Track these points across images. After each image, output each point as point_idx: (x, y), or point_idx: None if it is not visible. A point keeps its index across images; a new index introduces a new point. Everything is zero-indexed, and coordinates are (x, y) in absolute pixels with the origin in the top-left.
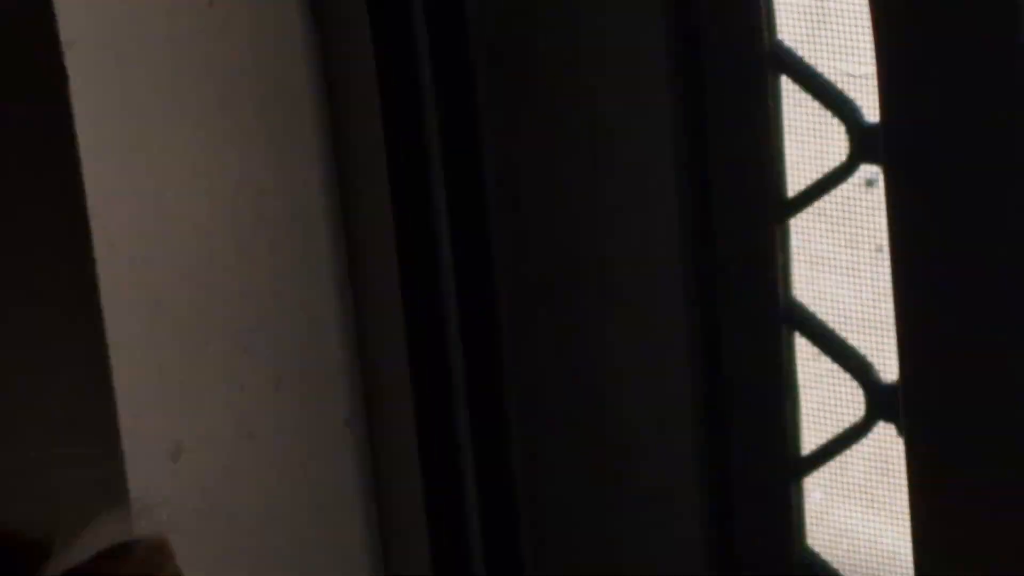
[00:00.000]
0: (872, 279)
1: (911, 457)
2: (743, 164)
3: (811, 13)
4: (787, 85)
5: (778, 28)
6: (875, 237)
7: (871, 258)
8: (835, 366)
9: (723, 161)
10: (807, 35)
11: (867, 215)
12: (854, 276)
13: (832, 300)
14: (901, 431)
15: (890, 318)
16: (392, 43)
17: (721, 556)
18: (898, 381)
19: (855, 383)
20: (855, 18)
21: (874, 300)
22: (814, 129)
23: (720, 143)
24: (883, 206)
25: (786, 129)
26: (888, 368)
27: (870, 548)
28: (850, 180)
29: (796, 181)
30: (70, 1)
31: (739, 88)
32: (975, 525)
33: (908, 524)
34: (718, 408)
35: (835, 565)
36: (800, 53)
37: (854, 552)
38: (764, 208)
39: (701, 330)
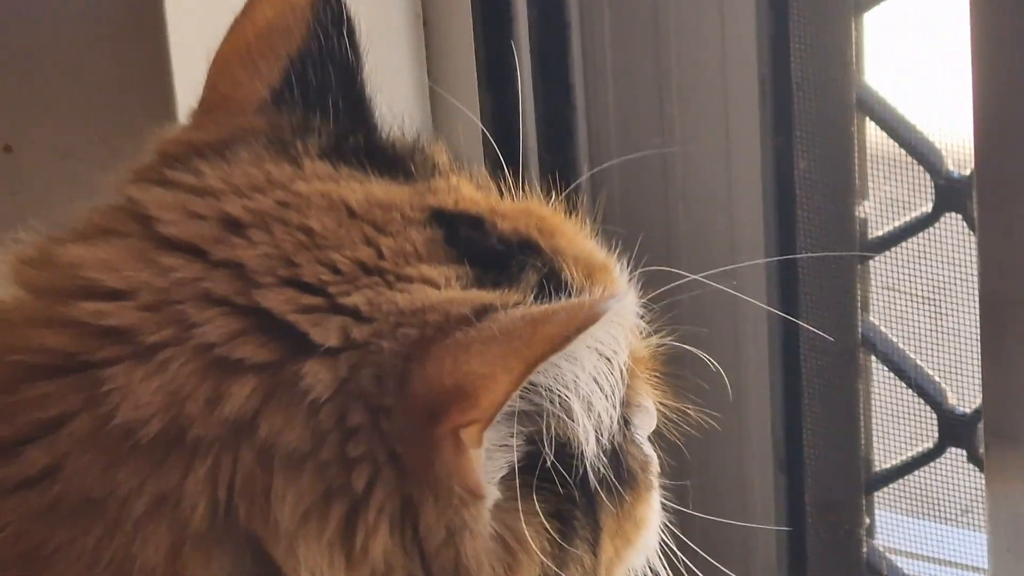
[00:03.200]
0: (951, 311)
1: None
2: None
3: None
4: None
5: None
6: (955, 274)
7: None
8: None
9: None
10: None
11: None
12: (932, 306)
13: (909, 328)
14: (971, 457)
15: (962, 349)
16: None
17: (794, 562)
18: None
19: (929, 409)
20: None
21: (952, 330)
22: (899, 177)
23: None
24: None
25: (870, 174)
26: (960, 398)
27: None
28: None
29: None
30: None
31: (826, 131)
32: None
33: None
34: (796, 424)
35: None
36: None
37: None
38: (848, 249)
39: (783, 349)
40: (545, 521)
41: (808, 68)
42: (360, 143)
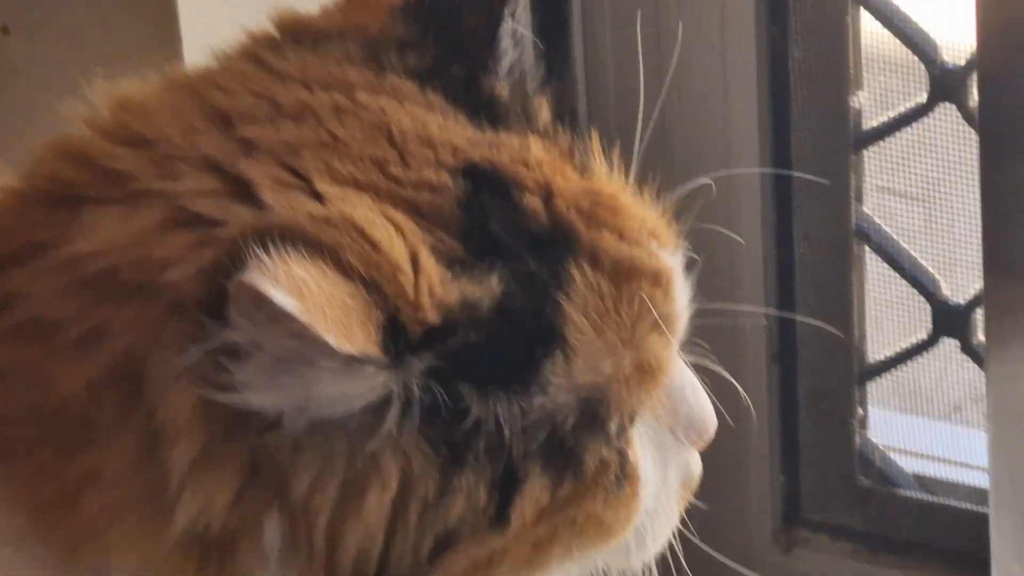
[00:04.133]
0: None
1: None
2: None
3: None
4: (869, 22)
5: None
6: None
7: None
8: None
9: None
10: None
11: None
12: (926, 197)
13: (903, 220)
14: (965, 348)
15: (956, 240)
16: None
17: (787, 452)
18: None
19: (923, 299)
20: None
21: (946, 221)
22: (894, 67)
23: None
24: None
25: (864, 67)
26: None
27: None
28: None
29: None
30: None
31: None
32: None
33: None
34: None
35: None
36: None
37: (911, 452)
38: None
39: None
40: (424, 445)
41: None
42: (462, 76)
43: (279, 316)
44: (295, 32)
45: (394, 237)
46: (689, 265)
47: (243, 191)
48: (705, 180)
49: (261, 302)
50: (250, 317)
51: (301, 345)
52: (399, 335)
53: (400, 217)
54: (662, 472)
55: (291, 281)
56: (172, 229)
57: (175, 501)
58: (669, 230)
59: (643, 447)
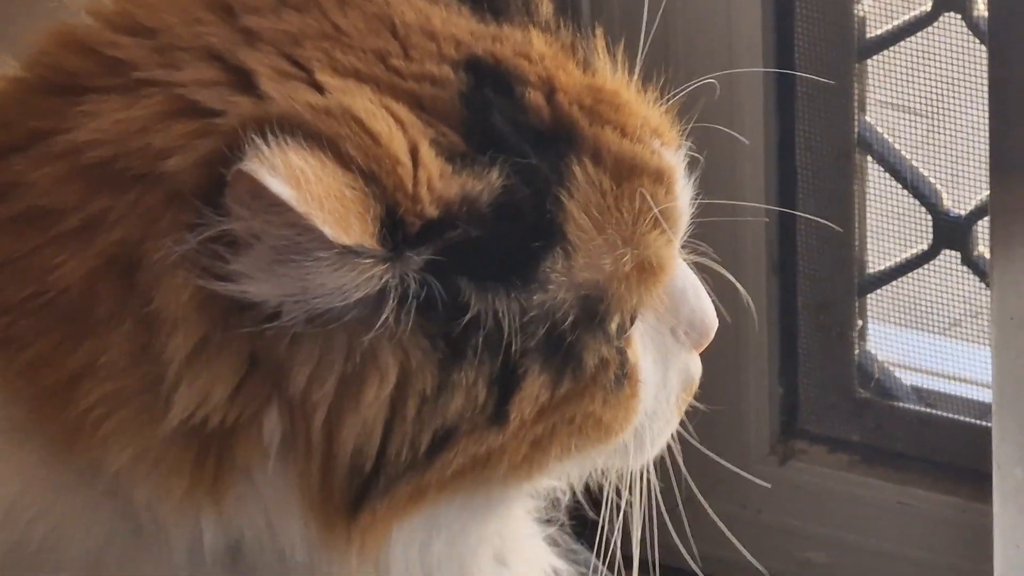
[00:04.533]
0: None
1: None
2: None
3: None
4: None
5: None
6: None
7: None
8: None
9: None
10: None
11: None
12: (928, 109)
13: (905, 132)
14: (966, 260)
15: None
16: None
17: (785, 363)
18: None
19: (924, 211)
20: None
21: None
22: None
23: None
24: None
25: None
26: (955, 200)
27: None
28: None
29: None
30: None
31: None
32: None
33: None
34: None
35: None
36: None
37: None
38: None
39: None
40: (423, 340)
41: None
42: None
43: (276, 205)
44: None
45: (394, 129)
46: (691, 165)
47: (243, 81)
48: (709, 79)
49: (258, 190)
50: (247, 206)
51: (297, 235)
52: (397, 228)
53: (401, 109)
54: (662, 373)
55: (289, 170)
56: (172, 118)
57: (171, 393)
58: (672, 128)
59: (643, 348)
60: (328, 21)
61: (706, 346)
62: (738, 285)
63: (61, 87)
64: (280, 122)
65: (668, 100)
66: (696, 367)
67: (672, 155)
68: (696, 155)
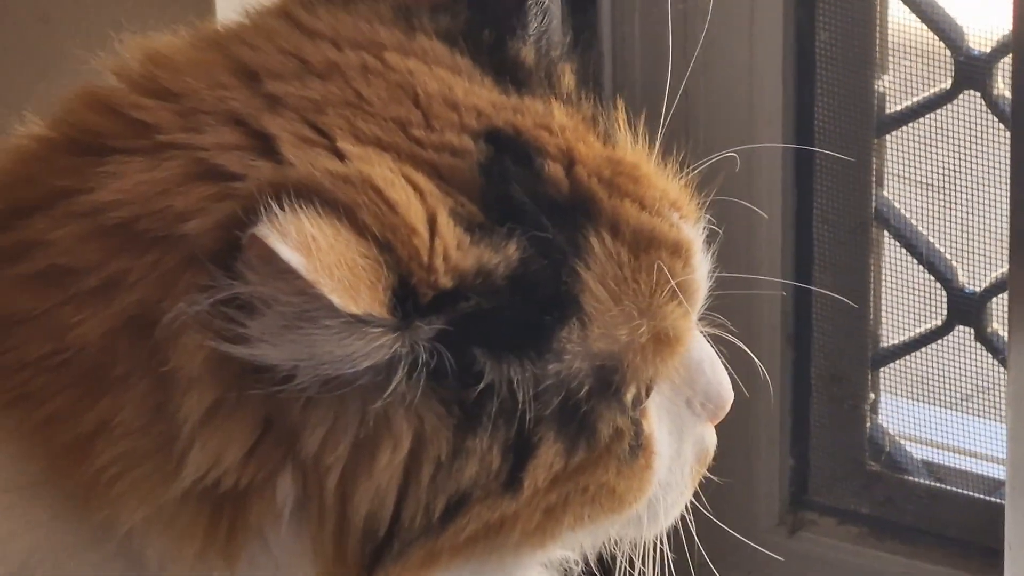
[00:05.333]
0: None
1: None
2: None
3: None
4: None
5: None
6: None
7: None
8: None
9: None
10: None
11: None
12: (944, 190)
13: (921, 207)
14: (979, 336)
15: (975, 231)
16: None
17: (797, 433)
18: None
19: (939, 286)
20: None
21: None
22: (919, 53)
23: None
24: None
25: (890, 52)
26: (970, 277)
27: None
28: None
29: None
30: None
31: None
32: None
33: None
34: (806, 296)
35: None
36: None
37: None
38: (865, 123)
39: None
40: (438, 406)
41: None
42: (491, 41)
43: (286, 271)
44: None
45: (412, 198)
46: (710, 238)
47: (265, 146)
48: (729, 153)
49: (269, 256)
50: (259, 271)
51: (306, 302)
52: (409, 297)
53: (420, 179)
54: (677, 445)
55: (301, 237)
56: (193, 181)
57: (184, 453)
58: (691, 202)
59: (659, 419)
60: (351, 89)
61: (721, 418)
62: (754, 357)
63: (85, 147)
64: (298, 188)
65: (688, 173)
66: (711, 439)
67: (690, 228)
68: (715, 228)
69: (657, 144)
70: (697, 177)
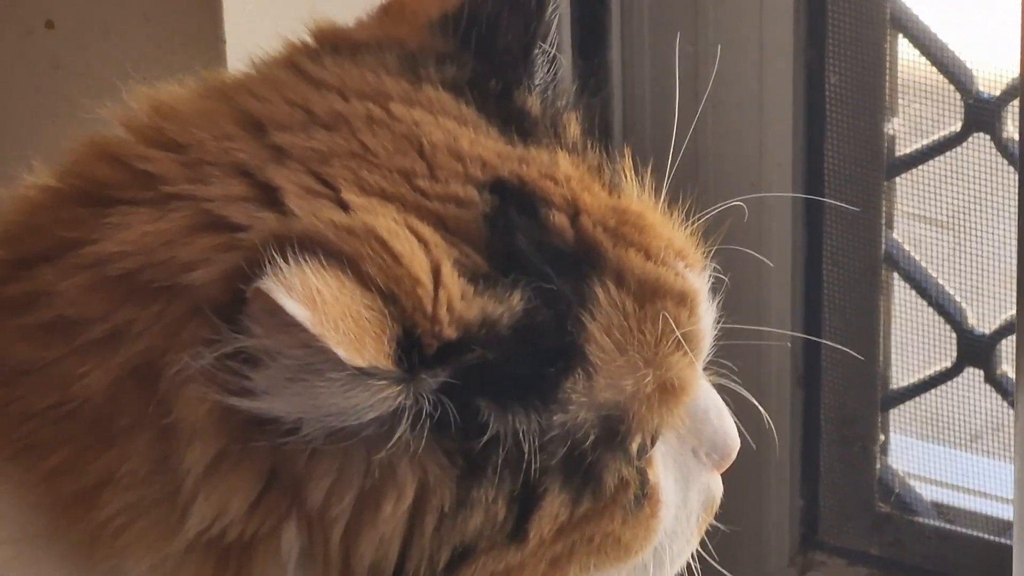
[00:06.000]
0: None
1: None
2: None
3: None
4: (906, 49)
5: None
6: (981, 195)
7: (974, 213)
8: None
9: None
10: None
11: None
12: (954, 231)
13: (931, 248)
14: (989, 378)
15: (983, 270)
16: None
17: (807, 475)
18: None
19: (949, 328)
20: None
21: (974, 251)
22: (929, 95)
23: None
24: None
25: (899, 94)
26: (979, 318)
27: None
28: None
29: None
30: None
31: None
32: None
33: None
34: (815, 334)
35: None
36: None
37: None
38: (875, 165)
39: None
40: (441, 457)
41: None
42: (498, 91)
43: (291, 325)
44: (334, 42)
45: (416, 250)
46: (716, 286)
47: (269, 197)
48: (736, 202)
49: (274, 309)
50: (264, 324)
51: (311, 355)
52: (414, 348)
53: (425, 229)
54: (683, 493)
55: (306, 290)
56: (198, 232)
57: (189, 505)
58: (697, 250)
59: (665, 468)
60: (356, 140)
61: (728, 466)
62: (759, 406)
63: (91, 197)
64: (302, 240)
65: (695, 221)
66: (717, 487)
67: (696, 277)
68: (721, 276)
69: (664, 191)
70: (704, 224)
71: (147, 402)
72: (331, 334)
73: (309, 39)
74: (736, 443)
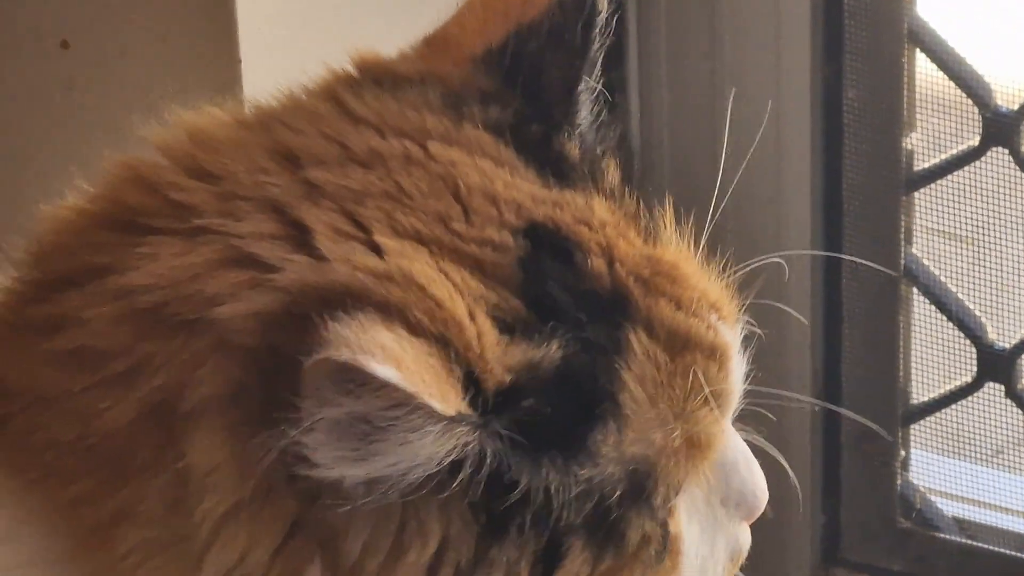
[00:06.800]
0: (993, 251)
1: None
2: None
3: None
4: (923, 64)
5: None
6: (1000, 209)
7: (993, 227)
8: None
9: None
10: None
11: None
12: (974, 241)
13: (951, 263)
14: (1009, 393)
15: (1004, 285)
16: None
17: (828, 491)
18: None
19: (968, 343)
20: None
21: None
22: (947, 110)
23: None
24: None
25: (918, 109)
26: (1000, 333)
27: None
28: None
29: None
30: None
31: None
32: None
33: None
34: (835, 353)
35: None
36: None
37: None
38: (894, 180)
39: (825, 278)
40: (466, 511)
41: None
42: (538, 135)
43: (381, 387)
44: (376, 74)
45: (454, 294)
46: (748, 338)
47: (300, 237)
48: (776, 258)
49: (350, 374)
50: (337, 389)
51: (395, 412)
52: (477, 392)
53: (460, 274)
54: (710, 544)
55: (385, 352)
56: (226, 267)
57: (203, 552)
58: (731, 302)
59: (689, 519)
60: (392, 180)
61: (756, 518)
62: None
63: (121, 223)
64: (342, 290)
65: (730, 275)
66: (745, 538)
67: (729, 331)
68: (755, 329)
69: (704, 239)
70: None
71: (164, 440)
72: (422, 388)
73: (352, 68)
74: (765, 494)
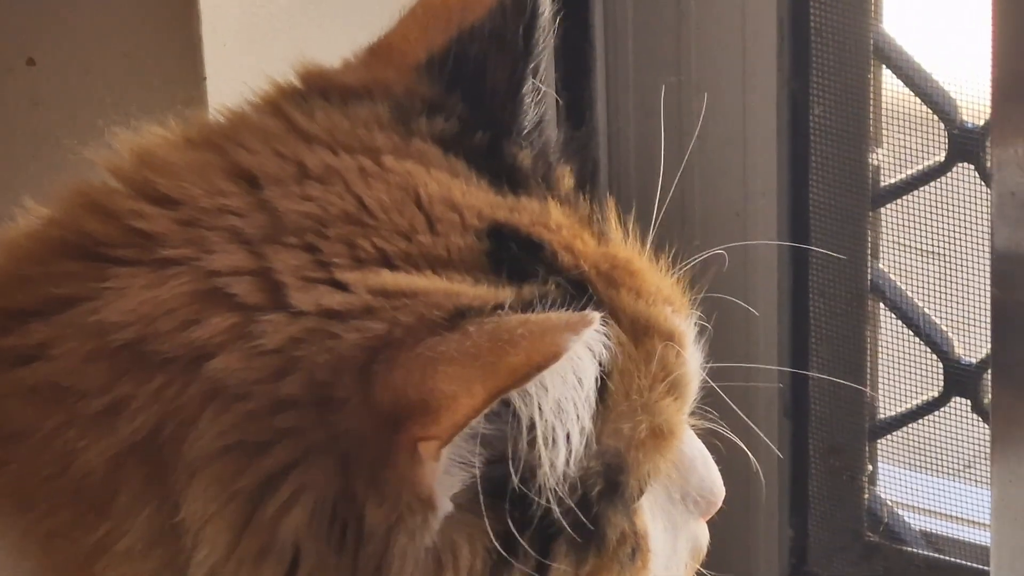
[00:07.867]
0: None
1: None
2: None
3: None
4: (890, 80)
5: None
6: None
7: (959, 243)
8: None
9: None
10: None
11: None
12: (940, 256)
13: (917, 278)
14: (976, 408)
15: (969, 300)
16: None
17: (796, 505)
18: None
19: (935, 357)
20: None
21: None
22: (913, 125)
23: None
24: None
25: (884, 124)
26: (966, 348)
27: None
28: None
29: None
30: None
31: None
32: None
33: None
34: (803, 366)
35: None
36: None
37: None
38: (861, 196)
39: (792, 294)
40: (488, 542)
41: (826, 13)
42: (484, 142)
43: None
44: (322, 87)
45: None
46: (701, 331)
47: (274, 288)
48: (719, 251)
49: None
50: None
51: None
52: None
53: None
54: (672, 543)
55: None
56: (202, 303)
57: None
58: (683, 296)
59: (653, 517)
60: (352, 195)
61: (713, 514)
62: (743, 446)
63: (82, 251)
64: (362, 348)
65: (680, 269)
66: (704, 535)
67: (683, 322)
68: (705, 323)
69: (652, 235)
70: (690, 271)
71: (150, 481)
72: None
73: (296, 81)
74: (722, 490)
